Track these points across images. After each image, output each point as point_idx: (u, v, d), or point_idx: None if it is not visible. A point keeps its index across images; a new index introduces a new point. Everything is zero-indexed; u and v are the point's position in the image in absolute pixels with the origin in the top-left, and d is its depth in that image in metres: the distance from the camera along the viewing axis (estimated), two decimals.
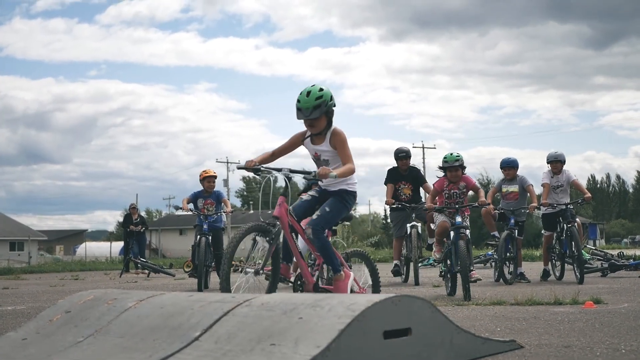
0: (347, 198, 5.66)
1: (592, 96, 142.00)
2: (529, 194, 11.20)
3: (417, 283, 10.61)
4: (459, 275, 7.99)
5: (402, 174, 11.41)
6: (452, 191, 8.60)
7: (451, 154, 8.62)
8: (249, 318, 3.74)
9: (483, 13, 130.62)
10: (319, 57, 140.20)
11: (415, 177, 11.50)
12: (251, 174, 5.65)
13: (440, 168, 8.71)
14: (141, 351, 3.74)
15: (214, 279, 11.60)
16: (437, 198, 8.83)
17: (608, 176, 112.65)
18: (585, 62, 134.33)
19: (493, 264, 12.98)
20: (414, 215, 11.00)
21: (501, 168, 11.42)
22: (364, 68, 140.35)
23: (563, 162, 11.11)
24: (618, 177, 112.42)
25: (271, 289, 5.58)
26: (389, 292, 9.42)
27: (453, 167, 8.54)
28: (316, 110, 5.38)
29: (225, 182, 64.46)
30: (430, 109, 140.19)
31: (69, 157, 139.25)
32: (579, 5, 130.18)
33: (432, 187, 9.14)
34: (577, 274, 10.34)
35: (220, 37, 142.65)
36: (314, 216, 5.60)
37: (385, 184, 11.46)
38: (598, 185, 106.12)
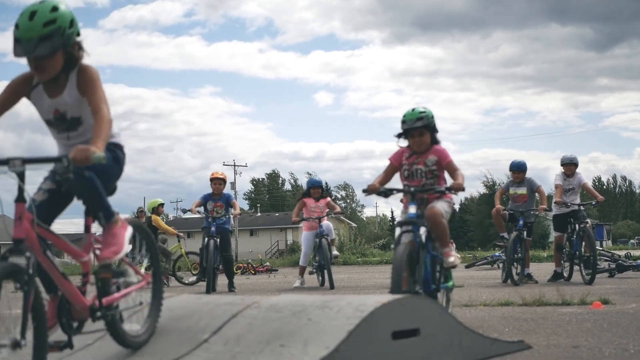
0: (117, 152, 3.86)
1: (596, 98, 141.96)
2: (538, 196, 11.22)
3: None
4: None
5: None
6: (415, 167, 5.38)
7: (413, 110, 5.46)
8: (258, 320, 3.75)
9: (485, 16, 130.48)
10: (322, 60, 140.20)
11: None
12: None
13: (399, 135, 5.47)
14: (150, 354, 3.75)
15: (222, 281, 11.62)
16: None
17: (614, 177, 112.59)
18: (587, 64, 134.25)
19: (501, 264, 12.97)
20: None
21: (510, 170, 11.45)
22: (368, 71, 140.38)
23: (577, 164, 11.18)
24: (624, 178, 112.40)
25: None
26: None
27: (415, 128, 5.32)
28: (45, 43, 3.38)
29: (233, 185, 64.52)
30: (434, 111, 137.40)
31: None
32: (580, 8, 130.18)
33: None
34: (584, 275, 10.37)
35: (224, 41, 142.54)
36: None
37: None
38: (604, 187, 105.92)
